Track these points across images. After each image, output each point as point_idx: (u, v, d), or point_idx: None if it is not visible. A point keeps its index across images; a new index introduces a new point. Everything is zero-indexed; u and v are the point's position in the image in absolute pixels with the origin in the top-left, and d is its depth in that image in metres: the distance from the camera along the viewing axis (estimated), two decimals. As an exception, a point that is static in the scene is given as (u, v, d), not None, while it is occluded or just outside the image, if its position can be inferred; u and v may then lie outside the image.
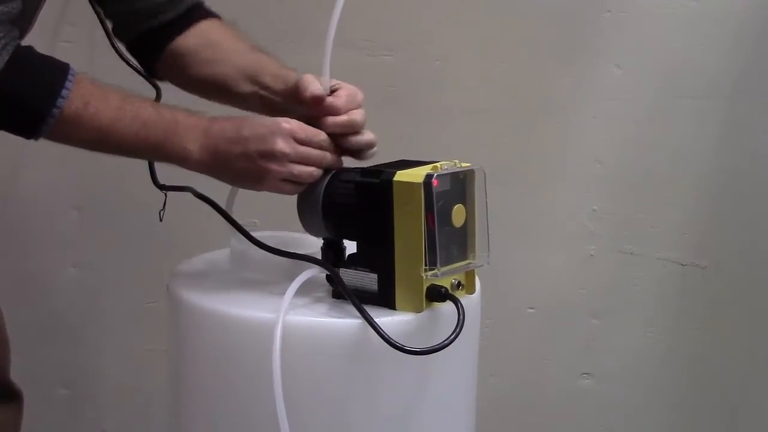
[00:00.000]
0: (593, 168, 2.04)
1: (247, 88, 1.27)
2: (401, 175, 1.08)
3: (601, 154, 2.04)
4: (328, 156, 1.15)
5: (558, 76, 2.01)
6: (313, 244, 1.21)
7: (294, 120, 1.13)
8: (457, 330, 1.05)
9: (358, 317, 1.06)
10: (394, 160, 1.16)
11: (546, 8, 1.98)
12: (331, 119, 1.16)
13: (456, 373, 1.18)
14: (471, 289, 1.16)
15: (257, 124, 1.13)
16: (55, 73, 1.09)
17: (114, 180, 1.90)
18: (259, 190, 1.14)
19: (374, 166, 1.14)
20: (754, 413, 2.15)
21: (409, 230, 1.07)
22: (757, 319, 2.11)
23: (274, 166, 1.11)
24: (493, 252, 2.05)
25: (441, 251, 1.07)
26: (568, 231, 2.06)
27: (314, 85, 1.16)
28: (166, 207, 1.31)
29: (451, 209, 1.10)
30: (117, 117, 1.10)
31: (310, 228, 1.18)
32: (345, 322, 1.08)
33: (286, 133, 1.11)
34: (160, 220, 1.30)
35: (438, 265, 1.07)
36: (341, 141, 1.17)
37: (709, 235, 2.08)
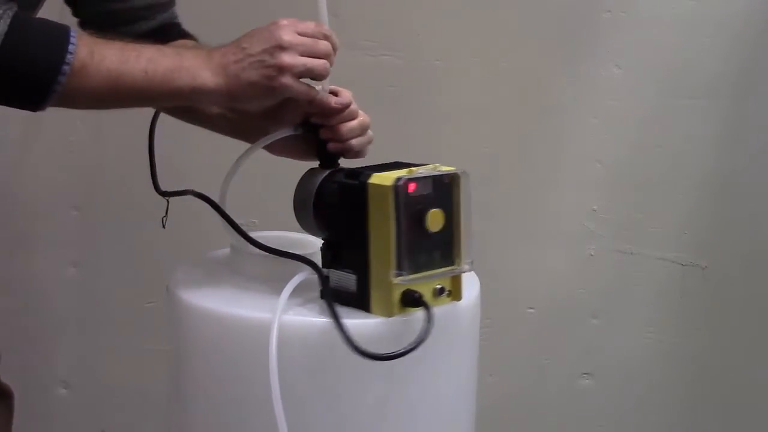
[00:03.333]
0: (593, 168, 2.04)
1: (213, 109, 1.25)
2: (376, 178, 1.07)
3: (601, 154, 2.04)
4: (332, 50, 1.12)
5: (558, 76, 2.01)
6: (313, 244, 1.21)
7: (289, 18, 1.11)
8: (422, 336, 1.03)
9: (354, 318, 1.06)
10: (393, 160, 1.16)
11: (546, 8, 1.98)
12: (348, 112, 1.16)
13: (456, 373, 1.18)
14: (458, 296, 1.13)
15: (253, 32, 1.10)
16: (58, 29, 1.06)
17: (114, 180, 1.90)
18: (277, 93, 1.10)
19: (364, 166, 1.14)
20: (754, 413, 2.15)
21: (381, 233, 1.06)
22: (757, 319, 2.11)
23: (286, 59, 1.07)
24: (493, 252, 2.05)
25: (410, 256, 1.05)
26: (568, 231, 2.07)
27: (331, 98, 1.16)
28: (164, 209, 1.31)
29: (426, 213, 1.07)
30: (122, 59, 1.06)
31: (305, 226, 1.19)
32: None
33: (286, 25, 1.09)
34: (163, 227, 1.29)
35: (405, 270, 1.05)
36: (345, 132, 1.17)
37: (709, 235, 2.08)
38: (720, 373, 2.12)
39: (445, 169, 1.10)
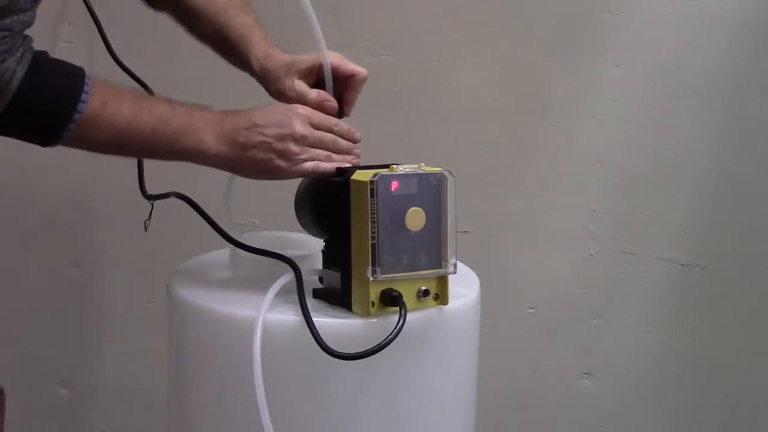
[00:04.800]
0: (593, 168, 2.04)
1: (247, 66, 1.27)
2: (358, 174, 1.07)
3: (601, 154, 2.04)
4: (341, 142, 1.16)
5: (558, 76, 2.01)
6: (312, 244, 1.22)
7: (307, 107, 1.16)
8: (390, 337, 1.02)
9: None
10: (392, 161, 1.16)
11: (546, 8, 1.98)
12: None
13: (455, 372, 1.18)
14: (444, 301, 1.11)
15: (270, 111, 1.14)
16: (73, 77, 1.08)
17: (114, 180, 1.90)
18: (277, 175, 1.14)
19: (357, 165, 1.14)
20: (754, 413, 2.15)
21: (360, 230, 1.05)
22: (756, 319, 2.11)
23: (294, 148, 1.12)
24: (493, 252, 2.05)
25: (387, 254, 1.05)
26: (568, 231, 2.06)
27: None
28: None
29: (405, 212, 1.06)
30: (134, 115, 1.09)
31: (304, 226, 1.19)
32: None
33: (302, 117, 1.14)
34: (145, 230, 1.30)
35: (381, 267, 1.04)
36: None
37: (709, 235, 2.08)
38: (719, 373, 2.12)
39: (429, 169, 1.09)
